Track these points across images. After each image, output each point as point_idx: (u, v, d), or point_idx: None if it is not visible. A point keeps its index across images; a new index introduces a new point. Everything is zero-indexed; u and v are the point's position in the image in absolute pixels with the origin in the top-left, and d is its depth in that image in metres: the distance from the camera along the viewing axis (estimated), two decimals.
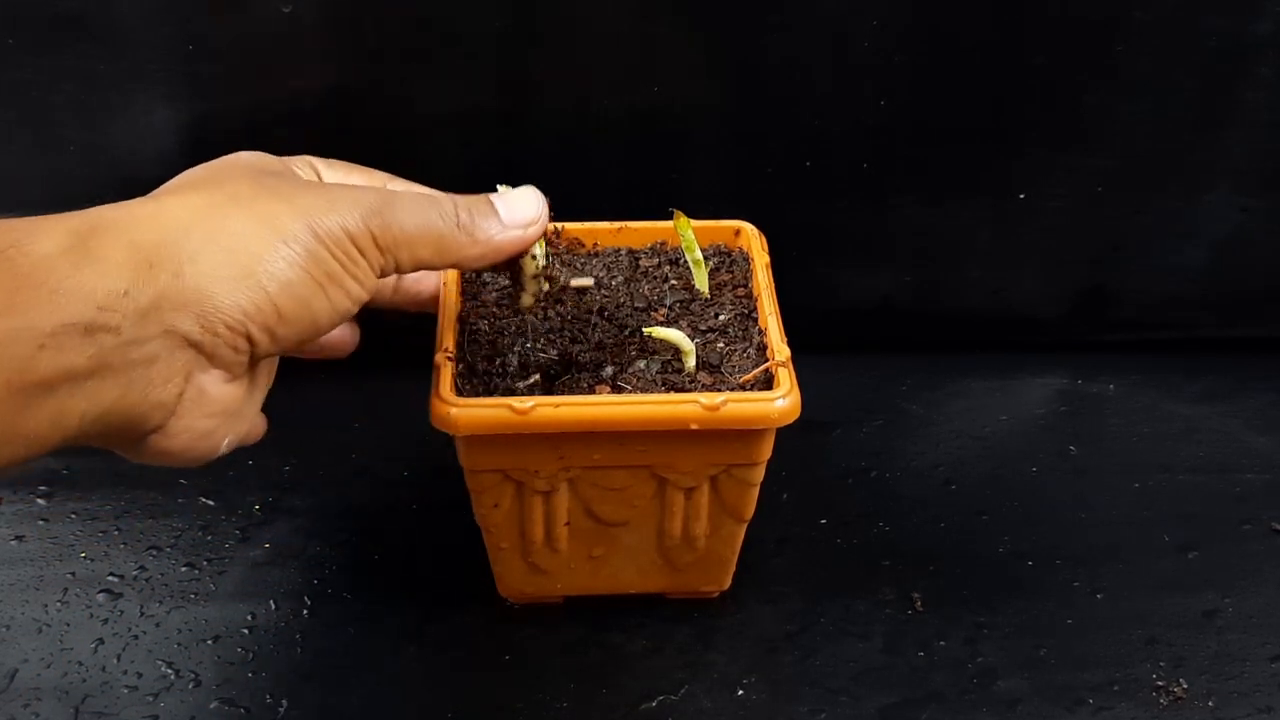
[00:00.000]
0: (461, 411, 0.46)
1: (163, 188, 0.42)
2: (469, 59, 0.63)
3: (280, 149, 0.65)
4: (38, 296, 0.34)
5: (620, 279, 0.57)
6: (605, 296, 0.55)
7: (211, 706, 0.52)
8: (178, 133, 0.63)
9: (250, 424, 0.44)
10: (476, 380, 0.50)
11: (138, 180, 0.65)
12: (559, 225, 0.59)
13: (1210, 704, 0.53)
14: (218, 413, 0.41)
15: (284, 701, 0.52)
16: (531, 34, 0.62)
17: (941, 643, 0.56)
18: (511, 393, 0.49)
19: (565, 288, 0.55)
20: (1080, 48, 0.64)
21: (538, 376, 0.50)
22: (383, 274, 0.43)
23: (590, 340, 0.52)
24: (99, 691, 0.52)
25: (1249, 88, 0.65)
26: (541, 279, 0.51)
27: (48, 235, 0.36)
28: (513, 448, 0.48)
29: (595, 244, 0.59)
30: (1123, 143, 0.67)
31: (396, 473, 0.65)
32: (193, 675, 0.53)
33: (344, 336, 0.51)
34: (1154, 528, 0.62)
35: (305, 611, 0.57)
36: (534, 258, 0.49)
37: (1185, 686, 0.53)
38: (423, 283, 0.54)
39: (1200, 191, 0.69)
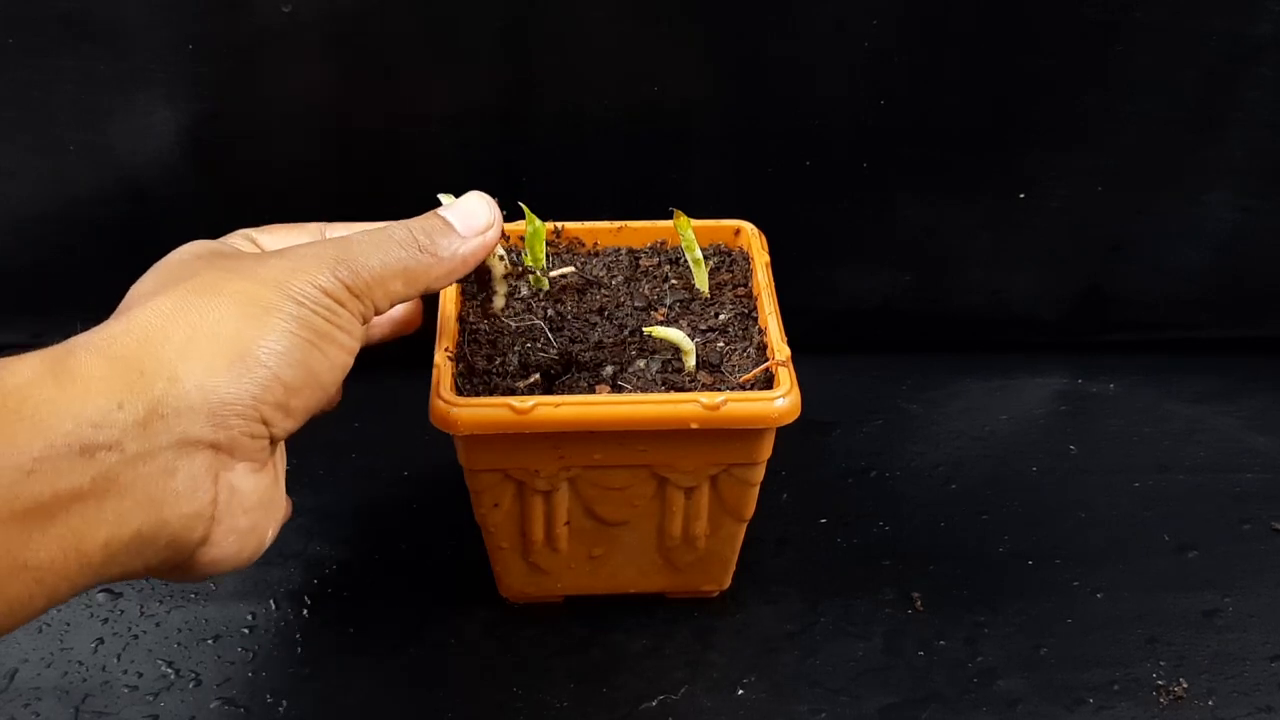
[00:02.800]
0: (461, 411, 0.46)
1: (121, 306, 0.41)
2: (469, 59, 0.63)
3: (280, 149, 0.65)
4: (17, 422, 0.33)
5: (620, 279, 0.57)
6: (605, 296, 0.55)
7: (211, 706, 0.52)
8: (178, 133, 0.63)
9: (282, 508, 0.44)
10: (476, 380, 0.50)
11: (138, 180, 0.65)
12: (559, 225, 0.59)
13: (1210, 704, 0.53)
14: (254, 506, 0.40)
15: (284, 701, 0.52)
16: (531, 34, 0.62)
17: (941, 643, 0.56)
18: (511, 392, 0.49)
19: (552, 283, 0.56)
20: (1080, 48, 0.64)
21: (538, 376, 0.50)
22: (365, 320, 0.42)
23: (590, 340, 0.52)
24: (99, 691, 0.52)
25: (1249, 88, 0.65)
26: (511, 279, 0.52)
27: (22, 364, 0.35)
28: (513, 447, 0.48)
29: (595, 244, 0.59)
30: (1123, 143, 0.67)
31: (397, 473, 0.65)
32: (193, 675, 0.53)
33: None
34: (1154, 528, 0.62)
35: (305, 611, 0.57)
36: (501, 258, 0.50)
37: (1185, 686, 0.53)
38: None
39: (1200, 191, 0.69)
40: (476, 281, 0.52)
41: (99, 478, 0.34)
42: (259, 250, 0.47)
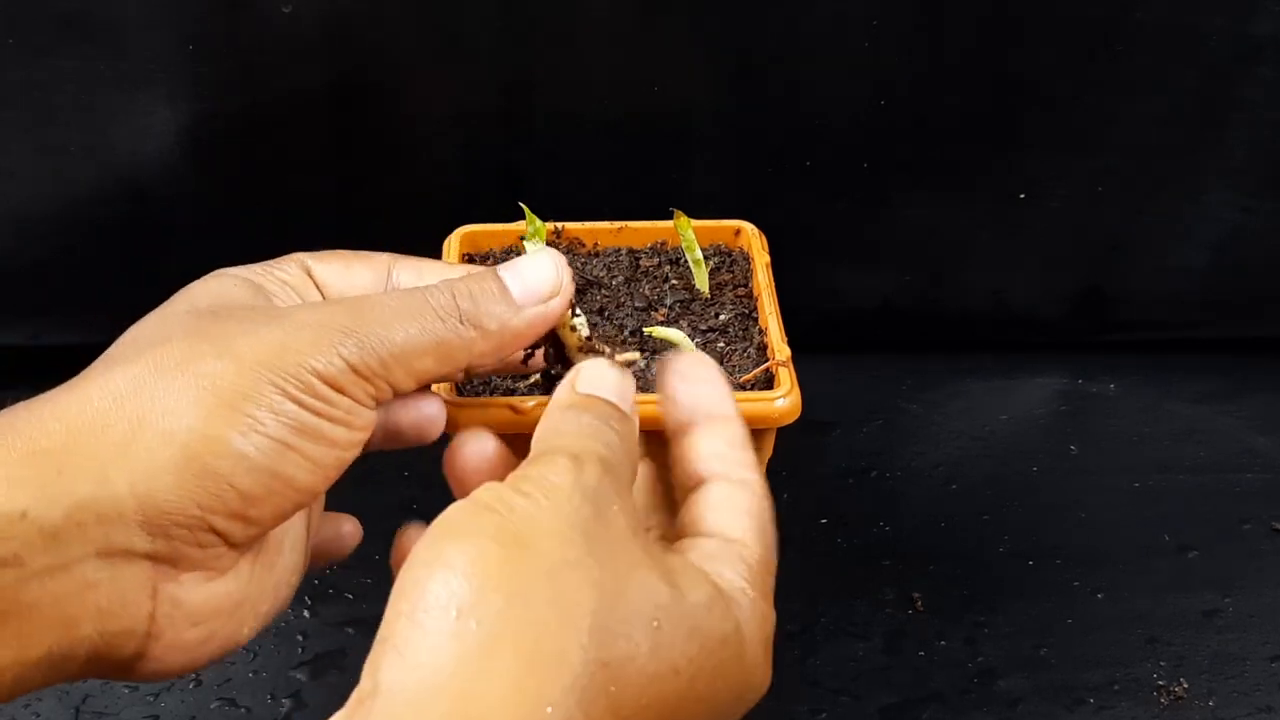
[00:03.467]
0: (462, 411, 0.46)
1: (95, 363, 0.34)
2: (469, 59, 0.63)
3: (280, 149, 0.65)
4: None
5: (620, 279, 0.57)
6: (605, 297, 0.55)
7: (211, 706, 0.52)
8: (178, 133, 0.63)
9: (278, 595, 0.37)
10: (476, 380, 0.50)
11: (138, 180, 0.65)
12: (559, 225, 0.59)
13: (1210, 704, 0.53)
14: (209, 616, 0.34)
15: (284, 701, 0.52)
16: (531, 34, 0.62)
17: (941, 643, 0.56)
18: (511, 393, 0.49)
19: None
20: (1080, 48, 0.64)
21: (538, 376, 0.50)
22: (378, 402, 0.35)
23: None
24: (99, 691, 0.52)
25: (1249, 88, 0.65)
26: (584, 352, 0.43)
27: None
28: (513, 448, 0.48)
29: (595, 244, 0.59)
30: (1123, 143, 0.67)
31: (397, 473, 0.65)
32: (193, 675, 0.53)
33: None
34: (1154, 528, 0.62)
35: (305, 611, 0.57)
36: (574, 330, 0.42)
37: (1185, 686, 0.53)
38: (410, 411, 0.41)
39: (1200, 191, 0.69)
40: (550, 357, 0.43)
41: None
42: (302, 283, 0.39)
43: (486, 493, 0.31)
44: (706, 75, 0.64)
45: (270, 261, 0.39)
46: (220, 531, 0.32)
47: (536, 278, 0.38)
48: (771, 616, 0.34)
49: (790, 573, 0.60)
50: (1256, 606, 0.58)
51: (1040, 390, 0.73)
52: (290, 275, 0.39)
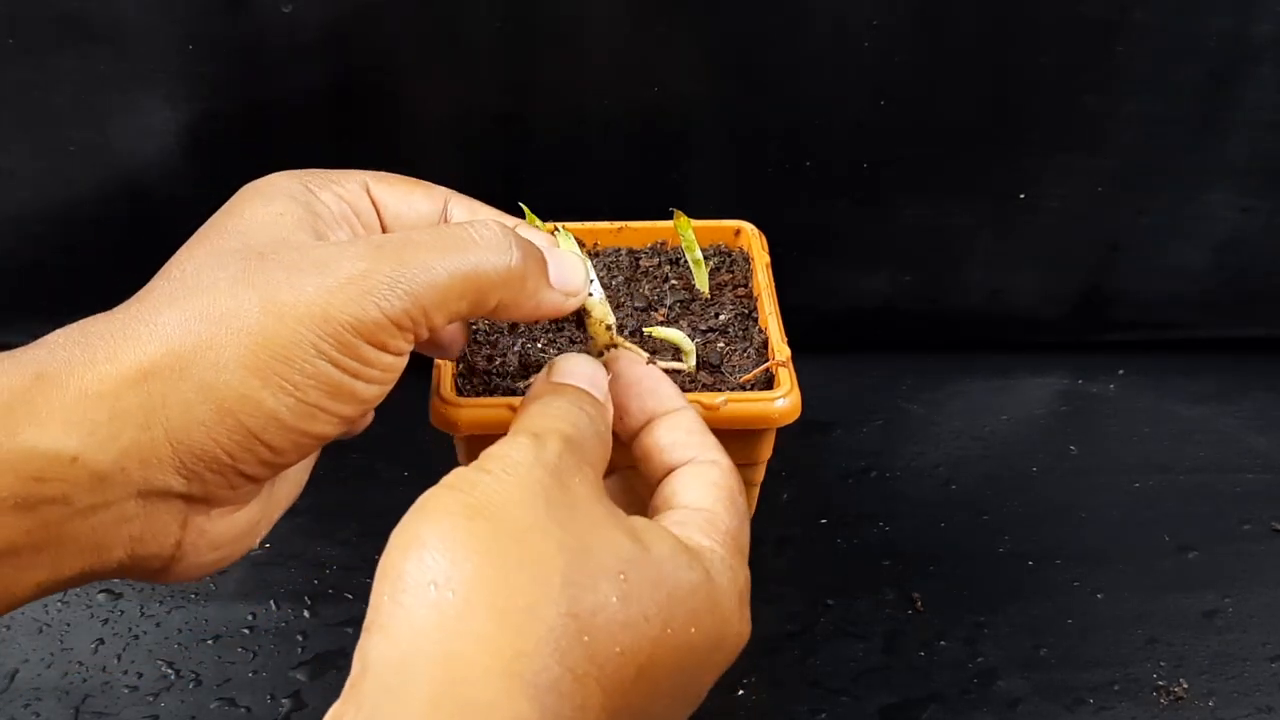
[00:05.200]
0: (462, 411, 0.46)
1: (148, 290, 0.35)
2: (469, 59, 0.63)
3: (280, 149, 0.65)
4: None
5: (620, 279, 0.57)
6: (605, 296, 0.55)
7: (211, 706, 0.52)
8: (178, 133, 0.63)
9: (289, 502, 0.40)
10: (476, 380, 0.50)
11: (138, 180, 0.65)
12: (559, 225, 0.59)
13: (1210, 704, 0.53)
14: (228, 542, 0.36)
15: (284, 701, 0.52)
16: (531, 34, 0.62)
17: (941, 643, 0.56)
18: (511, 393, 0.49)
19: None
20: (1080, 48, 0.64)
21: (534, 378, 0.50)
22: (417, 341, 0.36)
23: None
24: (99, 691, 0.52)
25: (1249, 88, 0.65)
26: (612, 333, 0.43)
27: None
28: None
29: (595, 244, 0.59)
30: (1123, 143, 0.67)
31: (397, 473, 0.65)
32: (193, 675, 0.53)
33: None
34: (1154, 528, 0.62)
35: (305, 611, 0.57)
36: (609, 328, 0.43)
37: (1185, 686, 0.53)
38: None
39: (1200, 191, 0.69)
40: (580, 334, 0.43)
41: (36, 531, 0.31)
42: (367, 199, 0.40)
43: (453, 476, 0.32)
44: (706, 75, 0.64)
45: (333, 173, 0.40)
46: (249, 475, 0.34)
47: (571, 271, 0.39)
48: (745, 572, 0.35)
49: (790, 573, 0.60)
50: (1256, 606, 0.58)
51: (1040, 390, 0.73)
52: (348, 192, 0.39)
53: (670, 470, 0.38)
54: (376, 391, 0.35)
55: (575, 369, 0.39)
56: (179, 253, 0.36)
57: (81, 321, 0.34)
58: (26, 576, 0.31)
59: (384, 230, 0.41)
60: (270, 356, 0.32)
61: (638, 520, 0.34)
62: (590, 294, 0.42)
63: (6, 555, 0.30)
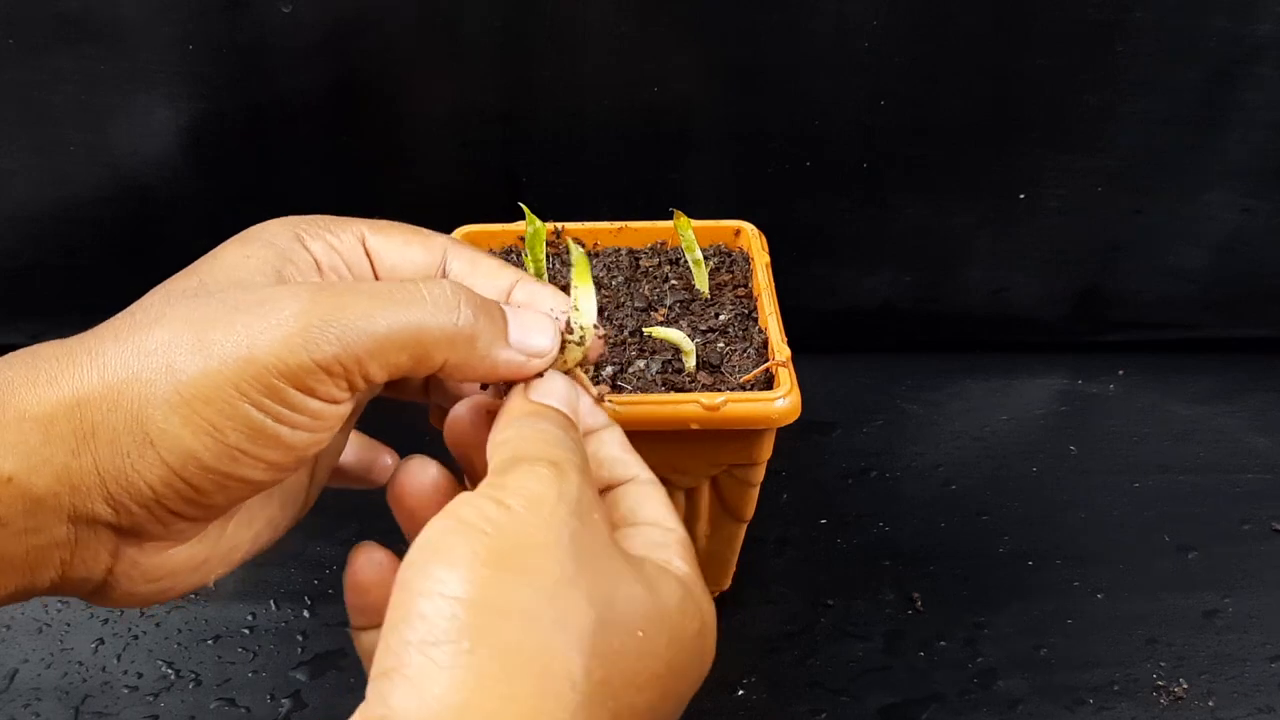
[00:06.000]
0: None
1: (106, 324, 0.34)
2: (469, 59, 0.63)
3: (280, 149, 0.65)
4: None
5: (620, 279, 0.57)
6: (605, 297, 0.55)
7: (211, 706, 0.52)
8: (178, 133, 0.63)
9: (257, 544, 0.38)
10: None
11: (138, 180, 0.65)
12: (559, 225, 0.59)
13: (1210, 704, 0.53)
14: (164, 575, 0.35)
15: (284, 701, 0.52)
16: (531, 34, 0.62)
17: (941, 643, 0.55)
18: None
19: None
20: (1080, 48, 0.64)
21: None
22: (353, 393, 0.34)
23: None
24: (99, 691, 0.52)
25: (1249, 88, 0.65)
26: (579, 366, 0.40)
27: None
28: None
29: (595, 244, 0.59)
30: (1123, 143, 0.67)
31: None
32: (193, 675, 0.53)
33: (361, 462, 0.43)
34: (1154, 528, 0.62)
35: (305, 611, 0.57)
36: (582, 354, 0.40)
37: (1185, 686, 0.53)
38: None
39: (1200, 191, 0.69)
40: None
41: None
42: (362, 250, 0.39)
43: (468, 508, 0.31)
44: (706, 75, 0.64)
45: (331, 221, 0.39)
46: (177, 513, 0.33)
47: (535, 334, 0.37)
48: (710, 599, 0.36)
49: (790, 573, 0.60)
50: (1256, 606, 0.58)
51: (1040, 390, 0.73)
52: (342, 242, 0.39)
53: (612, 485, 0.38)
54: (306, 439, 0.33)
55: (555, 389, 0.37)
56: (144, 297, 0.36)
57: (37, 345, 0.33)
58: None
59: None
60: (193, 395, 0.32)
61: (646, 564, 0.34)
62: (579, 338, 0.39)
63: None
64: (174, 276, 0.36)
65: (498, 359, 0.36)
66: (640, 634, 0.31)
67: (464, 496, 0.31)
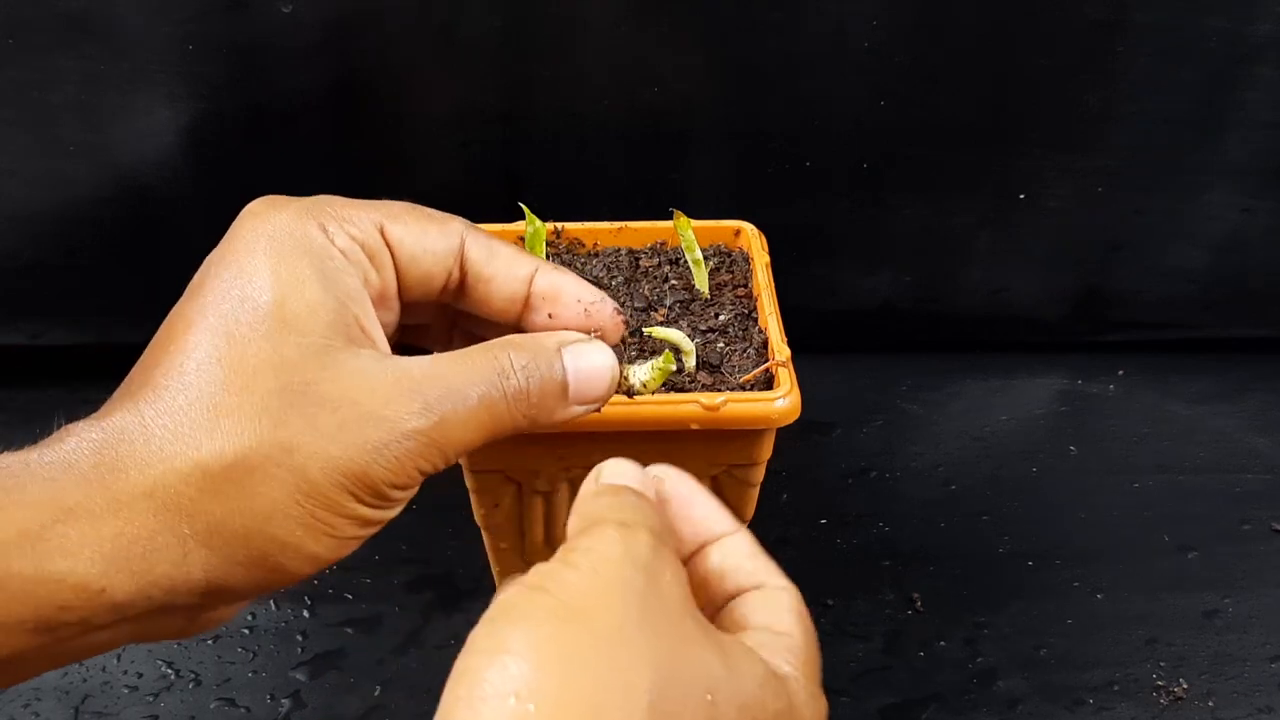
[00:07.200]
0: None
1: (158, 380, 0.33)
2: (469, 59, 0.63)
3: (280, 149, 0.65)
4: None
5: (620, 279, 0.57)
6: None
7: (211, 706, 0.52)
8: (178, 133, 0.63)
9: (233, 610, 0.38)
10: None
11: (138, 180, 0.65)
12: (559, 225, 0.59)
13: (1210, 704, 0.53)
14: (223, 621, 0.36)
15: (284, 701, 0.52)
16: (531, 34, 0.62)
17: (941, 643, 0.56)
18: None
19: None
20: (1080, 48, 0.64)
21: None
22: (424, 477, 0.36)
23: None
24: (99, 691, 0.52)
25: (1249, 88, 0.65)
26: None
27: (9, 519, 0.30)
28: (513, 448, 0.48)
29: (595, 244, 0.59)
30: (1123, 143, 0.67)
31: None
32: (193, 675, 0.53)
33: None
34: (1154, 528, 0.62)
35: (305, 611, 0.57)
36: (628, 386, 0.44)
37: (1185, 686, 0.53)
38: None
39: (1200, 191, 0.69)
40: None
41: (50, 645, 0.31)
42: (381, 240, 0.39)
43: (537, 575, 0.31)
44: (706, 75, 0.64)
45: (345, 207, 0.38)
46: (267, 590, 0.34)
47: (594, 381, 0.39)
48: (824, 702, 0.34)
49: (790, 573, 0.60)
50: (1256, 606, 0.58)
51: (1040, 390, 0.73)
52: (361, 232, 0.38)
53: (735, 595, 0.37)
54: (398, 511, 0.36)
55: (625, 472, 0.37)
56: (187, 322, 0.34)
57: (106, 422, 0.32)
58: (24, 673, 0.32)
59: (397, 272, 0.39)
60: (315, 506, 0.33)
61: (725, 637, 0.33)
62: (630, 390, 0.43)
63: (10, 661, 0.31)
64: (216, 303, 0.35)
65: (558, 417, 0.38)
66: (709, 698, 0.30)
67: (537, 565, 0.32)
